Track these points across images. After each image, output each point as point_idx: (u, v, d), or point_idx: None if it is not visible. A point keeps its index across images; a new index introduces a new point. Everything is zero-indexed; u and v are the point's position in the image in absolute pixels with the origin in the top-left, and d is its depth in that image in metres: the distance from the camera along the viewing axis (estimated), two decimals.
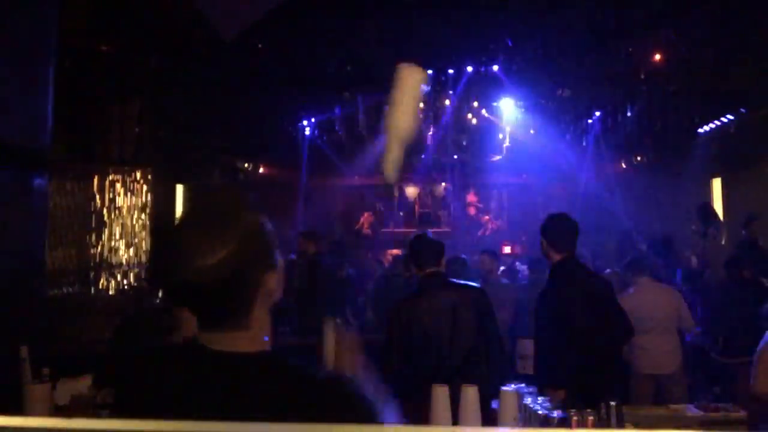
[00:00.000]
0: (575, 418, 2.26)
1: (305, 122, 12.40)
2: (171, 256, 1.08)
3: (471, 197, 14.14)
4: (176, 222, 1.13)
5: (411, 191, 14.56)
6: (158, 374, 1.15)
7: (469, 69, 9.38)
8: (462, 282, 3.54)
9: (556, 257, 3.42)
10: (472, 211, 14.01)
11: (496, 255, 6.73)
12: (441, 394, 2.58)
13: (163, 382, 1.13)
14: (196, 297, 1.10)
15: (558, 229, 3.46)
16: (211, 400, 1.07)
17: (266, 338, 1.17)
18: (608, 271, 6.13)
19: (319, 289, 5.94)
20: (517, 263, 8.56)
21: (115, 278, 6.00)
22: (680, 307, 4.84)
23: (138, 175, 6.23)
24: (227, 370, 1.10)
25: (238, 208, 1.14)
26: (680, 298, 4.87)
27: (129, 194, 6.13)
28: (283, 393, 1.08)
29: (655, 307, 4.79)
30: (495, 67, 9.31)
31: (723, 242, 7.57)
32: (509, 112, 11.76)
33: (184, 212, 1.15)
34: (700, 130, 10.29)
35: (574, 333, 3.21)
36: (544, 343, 3.36)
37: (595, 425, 2.25)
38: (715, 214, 7.98)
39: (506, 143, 12.96)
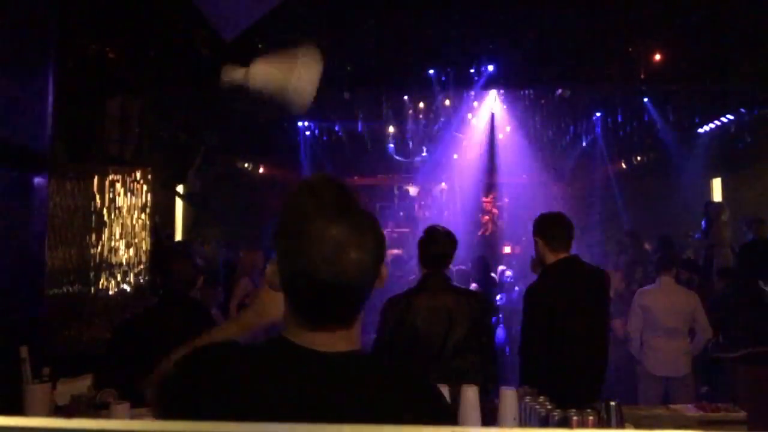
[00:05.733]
0: (575, 418, 2.25)
1: (305, 122, 12.41)
2: (324, 249, 1.00)
3: (471, 198, 14.14)
4: (304, 214, 1.03)
5: (411, 191, 14.58)
6: (257, 377, 1.03)
7: (469, 69, 9.38)
8: (462, 287, 3.51)
9: (552, 258, 3.27)
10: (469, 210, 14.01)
11: None
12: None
13: (262, 385, 1.02)
14: (331, 292, 1.02)
15: (554, 230, 3.30)
16: (316, 403, 0.99)
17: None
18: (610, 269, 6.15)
19: None
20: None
21: (115, 278, 6.00)
22: (697, 312, 4.82)
23: (138, 175, 6.22)
24: (333, 371, 1.03)
25: (357, 199, 1.09)
26: (698, 303, 4.85)
27: (129, 194, 6.12)
28: (385, 395, 1.05)
29: (671, 309, 4.79)
30: (493, 67, 9.30)
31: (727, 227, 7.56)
32: (509, 112, 11.77)
33: (309, 204, 1.04)
34: (700, 130, 10.29)
35: (562, 333, 3.14)
36: (530, 341, 3.28)
37: (595, 425, 2.25)
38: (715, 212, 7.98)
39: (505, 143, 12.97)
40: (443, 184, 14.32)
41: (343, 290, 1.02)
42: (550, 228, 3.33)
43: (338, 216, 1.02)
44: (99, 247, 5.90)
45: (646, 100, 10.32)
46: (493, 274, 7.77)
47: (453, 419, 1.16)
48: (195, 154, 10.50)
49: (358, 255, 1.01)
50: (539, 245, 3.33)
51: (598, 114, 11.73)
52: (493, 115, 12.16)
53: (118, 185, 6.09)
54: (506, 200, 14.45)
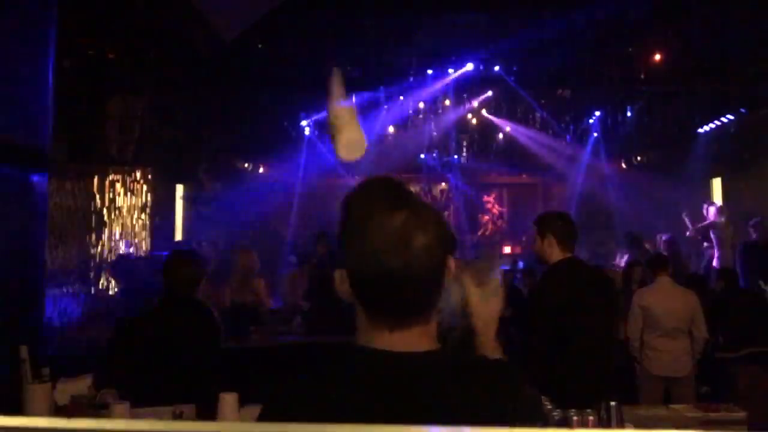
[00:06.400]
0: (575, 418, 2.26)
1: (305, 122, 12.40)
2: (389, 238, 0.98)
3: (471, 198, 14.15)
4: (364, 209, 1.03)
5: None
6: (346, 393, 0.98)
7: (470, 68, 9.38)
8: None
9: (560, 257, 3.25)
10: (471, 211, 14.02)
11: None
12: None
13: (353, 401, 0.97)
14: (403, 282, 0.99)
15: (568, 228, 3.29)
16: (409, 407, 0.95)
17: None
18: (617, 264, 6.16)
19: (328, 290, 5.93)
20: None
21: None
22: (696, 312, 4.82)
23: (138, 175, 6.24)
24: (422, 373, 1.00)
25: (411, 191, 1.08)
26: (697, 303, 4.84)
27: (129, 194, 6.14)
28: (481, 395, 1.00)
29: (670, 310, 4.77)
30: (495, 68, 9.31)
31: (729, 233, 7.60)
32: (509, 111, 11.77)
33: (368, 198, 1.05)
34: (700, 130, 10.30)
35: (565, 334, 3.12)
36: (534, 340, 3.26)
37: (595, 425, 2.25)
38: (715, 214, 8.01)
39: (506, 143, 12.97)
40: (443, 184, 14.32)
41: (414, 278, 0.99)
42: (563, 226, 3.29)
43: (399, 205, 1.01)
44: (99, 247, 5.91)
45: (645, 100, 10.32)
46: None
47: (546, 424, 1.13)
48: (200, 154, 10.52)
49: (424, 240, 0.99)
50: (548, 243, 3.26)
51: (598, 114, 11.73)
52: (493, 115, 12.16)
53: (118, 185, 6.11)
54: (506, 200, 14.45)
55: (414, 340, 1.02)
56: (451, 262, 1.06)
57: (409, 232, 0.99)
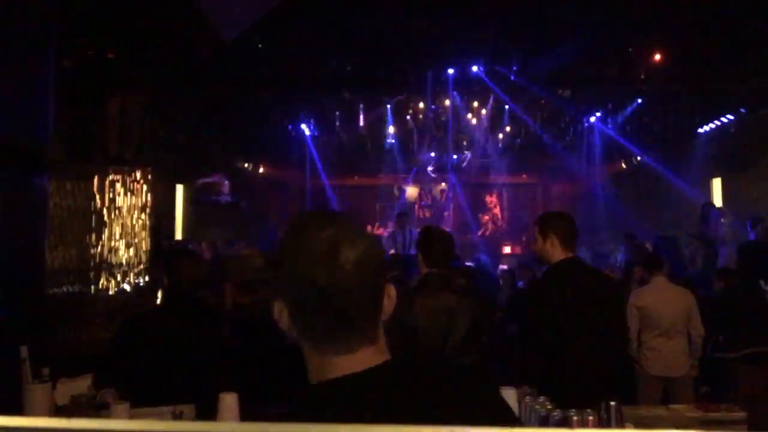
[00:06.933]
0: (575, 418, 2.25)
1: (305, 122, 12.42)
2: (317, 252, 0.97)
3: (471, 198, 14.16)
4: (295, 233, 1.02)
5: (411, 191, 14.57)
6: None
7: (473, 69, 9.38)
8: (461, 289, 3.51)
9: (562, 256, 3.25)
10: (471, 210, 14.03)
11: None
12: None
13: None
14: (335, 297, 0.96)
15: (570, 228, 3.29)
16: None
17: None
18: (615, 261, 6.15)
19: None
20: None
21: (115, 278, 6.00)
22: (692, 311, 4.81)
23: (138, 175, 6.22)
24: (384, 386, 0.97)
25: (341, 214, 1.08)
26: (693, 302, 4.84)
27: (129, 194, 6.12)
28: (453, 402, 0.97)
29: (667, 309, 4.77)
30: (495, 67, 9.30)
31: (728, 233, 7.60)
32: (509, 111, 11.78)
33: (299, 224, 1.03)
34: (700, 130, 10.30)
35: (565, 333, 3.12)
36: (534, 339, 3.26)
37: (595, 425, 2.25)
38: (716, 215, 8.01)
39: (506, 143, 12.98)
40: (443, 184, 14.33)
41: (345, 292, 0.97)
42: (565, 226, 3.29)
43: (326, 224, 1.00)
44: (99, 247, 5.90)
45: (645, 100, 10.33)
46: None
47: (518, 420, 1.08)
48: (200, 154, 10.52)
49: (352, 254, 0.97)
50: (550, 243, 3.26)
51: (598, 114, 11.73)
52: (492, 115, 12.16)
53: (118, 185, 6.09)
54: (506, 200, 14.47)
55: (364, 360, 0.99)
56: (391, 291, 1.03)
57: (336, 246, 0.97)
